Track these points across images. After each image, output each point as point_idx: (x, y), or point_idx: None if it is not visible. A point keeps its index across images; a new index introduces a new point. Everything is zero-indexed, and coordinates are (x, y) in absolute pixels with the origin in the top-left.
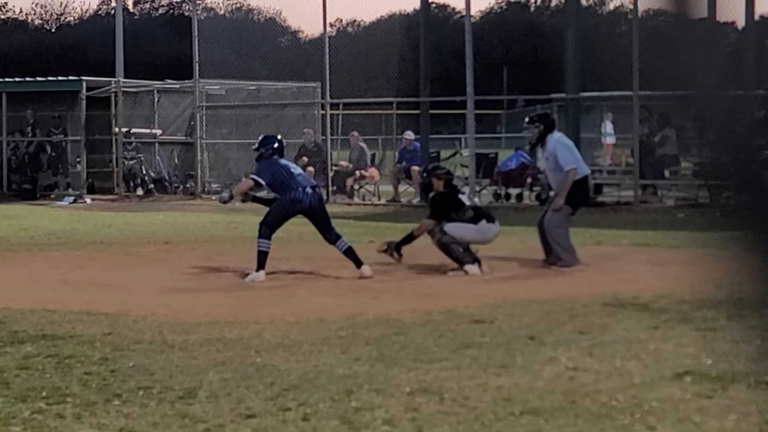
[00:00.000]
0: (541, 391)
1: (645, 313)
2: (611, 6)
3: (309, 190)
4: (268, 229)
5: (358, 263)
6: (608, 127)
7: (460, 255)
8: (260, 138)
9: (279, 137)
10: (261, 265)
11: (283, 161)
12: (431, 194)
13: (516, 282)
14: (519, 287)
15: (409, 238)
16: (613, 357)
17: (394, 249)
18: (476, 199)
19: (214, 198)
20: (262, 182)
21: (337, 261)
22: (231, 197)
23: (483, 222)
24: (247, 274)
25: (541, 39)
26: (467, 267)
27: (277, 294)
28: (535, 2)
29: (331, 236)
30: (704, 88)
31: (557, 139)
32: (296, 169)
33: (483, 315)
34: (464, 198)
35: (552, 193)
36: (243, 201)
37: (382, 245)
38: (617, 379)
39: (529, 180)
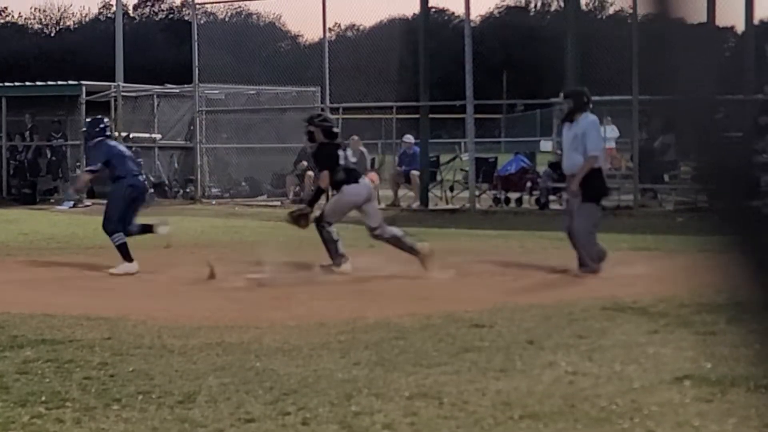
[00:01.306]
0: (541, 395)
1: (644, 317)
2: (611, 10)
3: (141, 177)
4: (113, 224)
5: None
6: (608, 130)
7: (335, 254)
8: (87, 120)
9: (105, 119)
10: (126, 257)
11: (112, 142)
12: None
13: (515, 286)
14: (518, 291)
15: (318, 193)
16: (613, 361)
17: (301, 215)
18: (352, 159)
19: (63, 206)
20: (97, 169)
21: (337, 265)
22: (78, 198)
23: (353, 185)
24: (244, 274)
25: (541, 43)
26: (343, 267)
27: (276, 298)
28: (535, 7)
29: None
30: (703, 92)
31: (593, 120)
32: (127, 152)
33: (482, 319)
34: (342, 155)
35: (565, 196)
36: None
37: (289, 216)
38: (616, 384)
39: (528, 184)
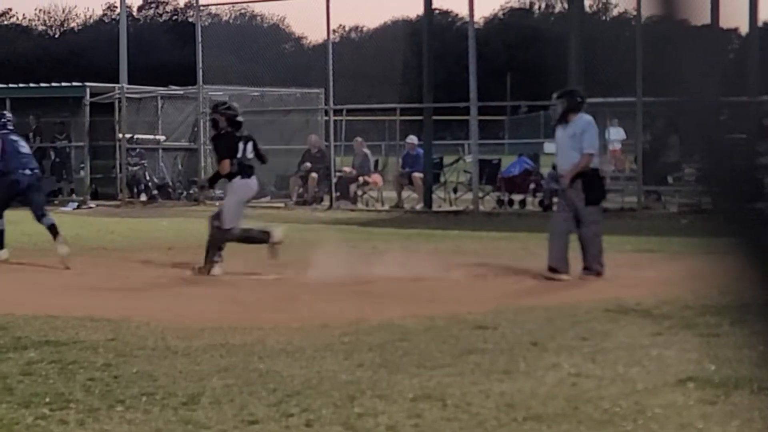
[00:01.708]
0: (544, 397)
1: (648, 319)
2: (614, 12)
3: (28, 171)
4: None
5: (56, 236)
6: (614, 132)
7: (213, 256)
8: None
9: (7, 114)
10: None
11: (14, 137)
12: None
13: (519, 288)
14: (522, 293)
15: (216, 177)
16: (616, 363)
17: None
18: (249, 154)
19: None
20: None
21: (341, 267)
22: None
23: (245, 179)
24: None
25: (545, 45)
26: (215, 269)
27: (280, 300)
28: (539, 8)
29: (39, 215)
30: (707, 94)
31: (590, 119)
32: (24, 148)
33: (486, 321)
34: (242, 148)
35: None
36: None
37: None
38: (620, 386)
39: (532, 186)
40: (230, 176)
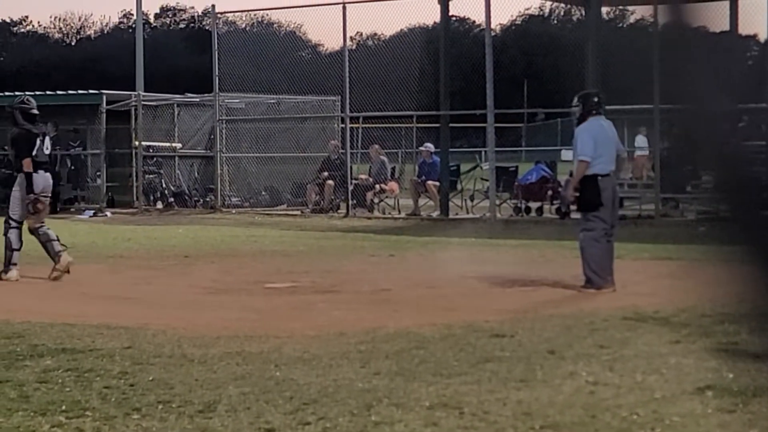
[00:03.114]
0: (562, 405)
1: (666, 328)
2: (632, 19)
3: None
4: None
5: None
6: (639, 140)
7: (9, 256)
8: None
9: None
10: None
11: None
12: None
13: (536, 296)
14: (539, 301)
15: (28, 179)
16: (634, 371)
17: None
18: (46, 151)
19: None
20: None
21: (357, 274)
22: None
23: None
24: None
25: (562, 52)
26: (9, 273)
27: (296, 308)
28: (556, 16)
29: None
30: (724, 101)
31: (586, 125)
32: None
33: (503, 329)
34: (38, 145)
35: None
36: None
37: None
38: (638, 394)
39: (549, 193)
40: (20, 171)
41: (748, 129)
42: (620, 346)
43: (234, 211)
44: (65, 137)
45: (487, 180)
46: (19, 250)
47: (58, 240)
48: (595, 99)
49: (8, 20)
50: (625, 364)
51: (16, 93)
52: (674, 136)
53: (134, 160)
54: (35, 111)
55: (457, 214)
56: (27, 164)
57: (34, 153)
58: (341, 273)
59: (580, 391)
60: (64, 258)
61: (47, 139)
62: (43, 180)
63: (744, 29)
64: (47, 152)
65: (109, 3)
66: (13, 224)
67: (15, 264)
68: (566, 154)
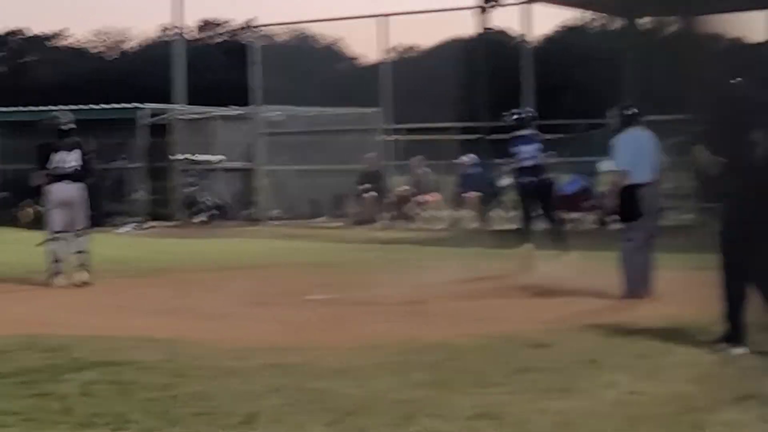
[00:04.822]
0: (602, 415)
1: (706, 336)
2: (670, 29)
3: None
4: None
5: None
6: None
7: (54, 267)
8: None
9: None
10: None
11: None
12: None
13: (575, 305)
14: (578, 311)
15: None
16: (674, 381)
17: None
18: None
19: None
20: None
21: (397, 286)
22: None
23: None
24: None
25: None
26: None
27: (335, 319)
28: (595, 27)
29: None
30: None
31: (623, 135)
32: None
33: (542, 339)
34: (56, 158)
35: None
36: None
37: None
38: (678, 403)
39: (588, 204)
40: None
41: None
42: (660, 356)
43: (274, 224)
44: (108, 150)
45: None
46: (61, 261)
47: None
48: (633, 110)
49: (46, 33)
50: (665, 374)
51: (54, 108)
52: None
53: (174, 173)
54: (65, 126)
55: (497, 225)
56: (35, 177)
57: (53, 166)
58: (380, 285)
59: (620, 401)
60: (58, 279)
61: (74, 152)
62: (60, 190)
63: None
64: (69, 165)
65: (148, 17)
66: (51, 237)
67: (61, 273)
68: (605, 165)
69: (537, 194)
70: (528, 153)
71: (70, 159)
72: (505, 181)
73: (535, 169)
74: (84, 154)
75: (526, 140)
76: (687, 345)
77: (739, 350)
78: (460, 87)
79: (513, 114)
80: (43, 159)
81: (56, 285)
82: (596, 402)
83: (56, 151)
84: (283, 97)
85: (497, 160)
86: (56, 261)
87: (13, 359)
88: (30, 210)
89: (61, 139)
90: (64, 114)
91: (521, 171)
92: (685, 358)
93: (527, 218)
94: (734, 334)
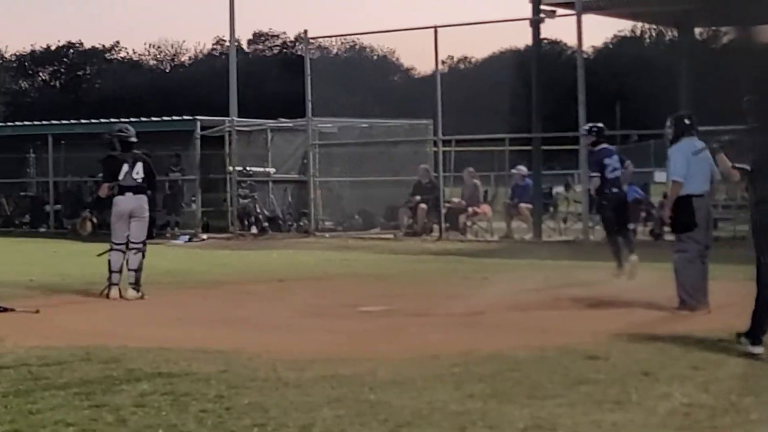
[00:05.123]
0: (656, 427)
1: (761, 348)
2: (725, 40)
3: None
4: None
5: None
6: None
7: (109, 276)
8: None
9: None
10: None
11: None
12: None
13: (630, 317)
14: (633, 323)
15: (97, 201)
16: (729, 393)
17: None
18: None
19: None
20: None
21: (450, 297)
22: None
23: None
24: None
25: (655, 74)
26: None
27: (390, 331)
28: (649, 37)
29: None
30: None
31: (678, 146)
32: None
33: (597, 351)
34: (125, 171)
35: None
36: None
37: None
38: (733, 416)
39: (642, 215)
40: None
41: None
42: (715, 368)
43: (327, 235)
44: (164, 162)
45: (579, 202)
46: (118, 272)
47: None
48: (688, 120)
49: (101, 46)
50: (720, 386)
51: (112, 120)
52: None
53: (228, 185)
54: (133, 139)
55: (550, 236)
56: (102, 189)
57: (121, 177)
58: (434, 296)
59: (674, 413)
60: (113, 292)
61: (139, 164)
62: (126, 202)
63: None
64: (137, 177)
65: (202, 30)
66: (114, 247)
67: (116, 284)
68: (659, 176)
69: (620, 206)
70: (612, 165)
71: (134, 172)
72: (561, 190)
73: (618, 181)
74: (147, 167)
75: (609, 152)
76: (742, 357)
77: (758, 349)
78: (513, 98)
79: (591, 128)
80: (110, 171)
81: (111, 297)
82: (650, 414)
83: (122, 163)
84: (336, 109)
85: (549, 171)
86: (114, 272)
87: (71, 370)
88: (88, 222)
89: (126, 151)
90: (129, 127)
91: (610, 183)
92: (739, 370)
93: (619, 229)
94: (757, 333)
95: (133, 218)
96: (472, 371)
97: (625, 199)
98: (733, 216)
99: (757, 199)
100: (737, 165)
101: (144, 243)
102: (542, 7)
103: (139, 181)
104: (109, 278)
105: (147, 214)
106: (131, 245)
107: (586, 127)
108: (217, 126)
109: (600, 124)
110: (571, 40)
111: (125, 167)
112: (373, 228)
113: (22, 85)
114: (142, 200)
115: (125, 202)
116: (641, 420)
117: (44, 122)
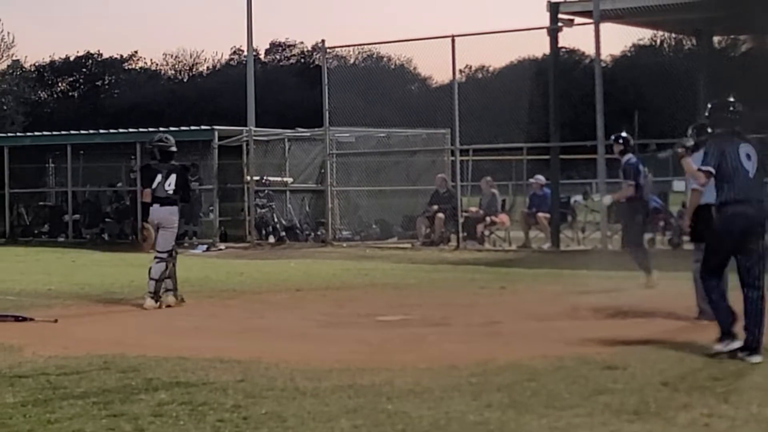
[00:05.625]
0: None
1: None
2: (743, 48)
3: None
4: None
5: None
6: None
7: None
8: None
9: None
10: None
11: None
12: None
13: (648, 327)
14: (652, 332)
15: (144, 207)
16: (750, 403)
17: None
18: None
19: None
20: None
21: (468, 307)
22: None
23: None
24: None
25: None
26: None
27: (408, 341)
28: (667, 46)
29: None
30: None
31: (698, 155)
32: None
33: (615, 361)
34: (158, 180)
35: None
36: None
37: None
38: (753, 426)
39: (661, 224)
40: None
41: None
42: (735, 378)
43: (345, 245)
44: None
45: (598, 211)
46: (157, 280)
47: (173, 285)
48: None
49: (120, 57)
50: (740, 396)
51: (131, 130)
52: None
53: (246, 194)
54: (173, 148)
55: (568, 246)
56: (144, 195)
57: (153, 187)
58: (452, 305)
59: (694, 424)
60: (169, 298)
61: (172, 176)
62: (155, 213)
63: None
64: (168, 188)
65: (220, 40)
66: (157, 256)
67: (153, 293)
68: (678, 185)
69: (646, 215)
70: (643, 174)
71: (167, 183)
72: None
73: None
74: (181, 179)
75: (639, 162)
76: (762, 367)
77: (756, 358)
78: (530, 107)
79: (618, 138)
80: (148, 179)
81: (147, 306)
82: (669, 425)
83: (157, 173)
84: (353, 118)
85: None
86: (151, 279)
87: (89, 380)
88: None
89: (164, 161)
90: (169, 137)
91: (641, 191)
92: (760, 381)
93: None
94: (755, 344)
95: (161, 228)
96: (490, 381)
97: (648, 208)
98: None
99: (720, 201)
100: (702, 168)
101: (170, 254)
102: (560, 16)
103: (170, 192)
104: (153, 286)
105: (176, 225)
106: (156, 254)
107: (616, 136)
108: (234, 135)
109: (625, 134)
110: (589, 48)
111: (159, 177)
112: (391, 237)
113: (41, 95)
114: (171, 211)
115: (154, 213)
116: (660, 430)
117: (63, 132)
